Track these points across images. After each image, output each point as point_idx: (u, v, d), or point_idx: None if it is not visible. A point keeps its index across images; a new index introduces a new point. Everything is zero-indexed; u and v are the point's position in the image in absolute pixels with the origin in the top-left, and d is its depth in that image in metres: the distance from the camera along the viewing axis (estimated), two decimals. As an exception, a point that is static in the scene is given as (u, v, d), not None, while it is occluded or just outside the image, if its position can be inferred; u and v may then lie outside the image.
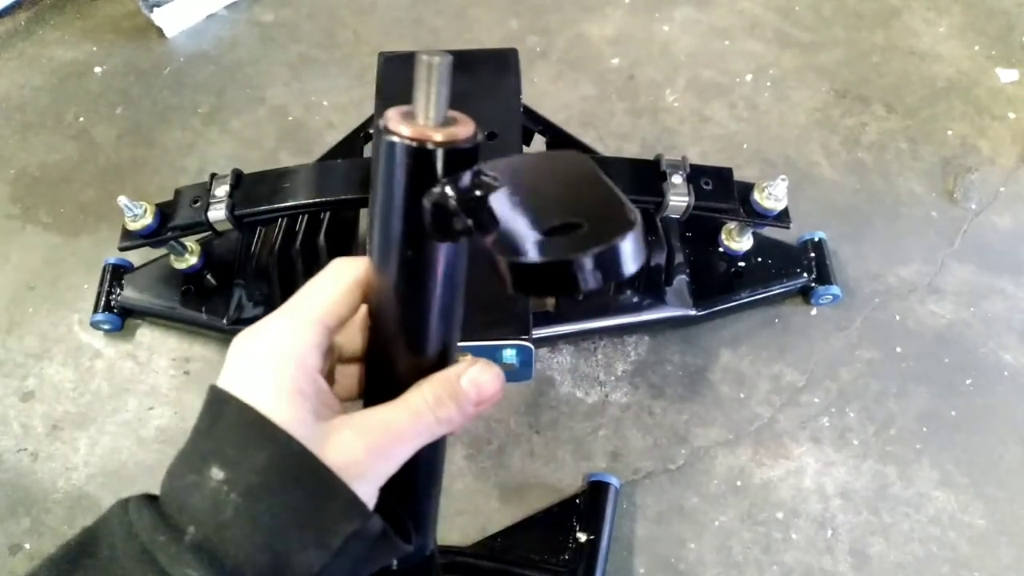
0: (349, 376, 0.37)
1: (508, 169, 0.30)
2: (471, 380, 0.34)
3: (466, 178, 0.29)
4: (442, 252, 0.31)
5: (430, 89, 0.27)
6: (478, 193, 0.29)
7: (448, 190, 0.28)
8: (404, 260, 0.31)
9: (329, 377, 0.36)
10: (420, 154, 0.28)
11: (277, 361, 0.31)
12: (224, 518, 0.28)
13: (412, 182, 0.29)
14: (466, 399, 0.33)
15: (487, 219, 0.28)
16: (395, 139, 0.28)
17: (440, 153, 0.28)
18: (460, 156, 0.28)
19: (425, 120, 0.28)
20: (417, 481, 0.37)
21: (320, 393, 0.32)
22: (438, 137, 0.28)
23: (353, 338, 0.37)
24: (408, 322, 0.33)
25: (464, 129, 0.29)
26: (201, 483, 0.29)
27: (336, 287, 0.34)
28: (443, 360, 0.35)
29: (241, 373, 0.31)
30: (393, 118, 0.28)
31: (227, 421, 0.30)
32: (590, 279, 0.26)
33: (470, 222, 0.28)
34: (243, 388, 0.30)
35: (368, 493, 0.31)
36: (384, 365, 0.35)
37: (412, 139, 0.28)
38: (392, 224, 0.30)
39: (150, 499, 0.30)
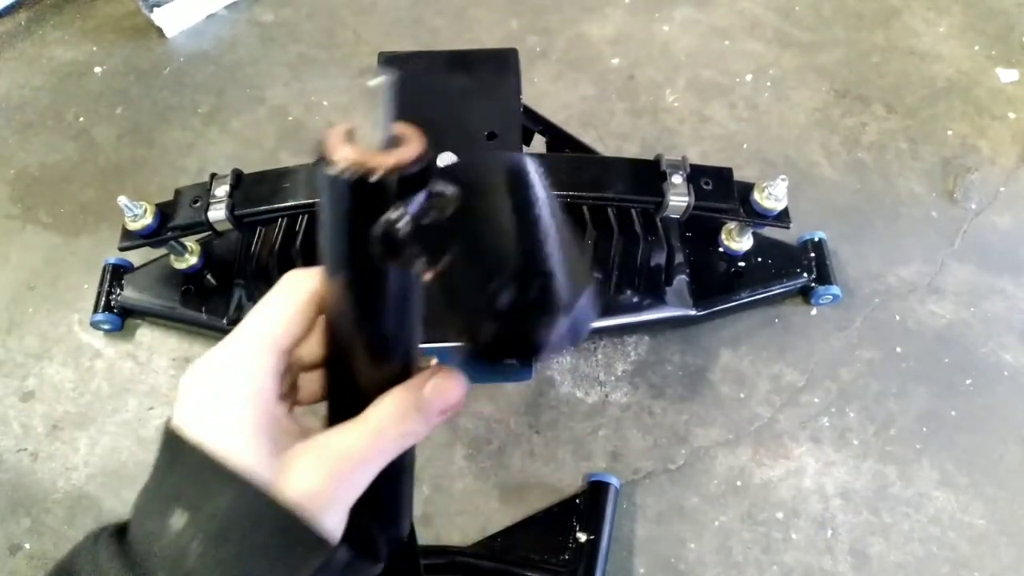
0: (313, 381, 0.37)
1: (459, 193, 0.28)
2: (434, 389, 0.32)
3: (417, 202, 0.27)
4: (395, 272, 0.30)
5: (372, 112, 0.26)
6: (430, 218, 0.27)
7: (398, 217, 0.27)
8: (356, 283, 0.30)
9: (292, 390, 0.35)
10: (363, 184, 0.26)
11: (231, 397, 0.30)
12: (188, 565, 0.28)
13: (358, 212, 0.27)
14: (430, 409, 0.32)
15: (439, 246, 0.27)
16: (336, 168, 0.26)
17: (386, 180, 0.26)
18: (409, 180, 0.26)
19: (369, 144, 0.26)
20: (384, 491, 0.36)
21: (278, 422, 0.31)
22: (383, 162, 0.26)
23: (314, 348, 0.36)
24: (365, 338, 0.32)
25: (412, 149, 0.26)
26: (164, 530, 0.29)
27: (289, 306, 0.33)
28: (405, 371, 0.33)
29: (196, 410, 0.30)
30: (334, 143, 0.26)
31: (185, 464, 0.29)
32: (553, 345, 0.26)
33: (422, 253, 0.27)
34: (199, 427, 0.30)
35: (335, 521, 0.30)
36: (344, 380, 0.34)
37: (355, 167, 0.26)
38: (342, 254, 0.29)
39: (119, 536, 0.30)
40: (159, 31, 1.57)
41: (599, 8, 1.60)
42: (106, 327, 1.21)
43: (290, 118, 1.46)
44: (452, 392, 0.33)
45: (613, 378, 1.18)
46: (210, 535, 0.28)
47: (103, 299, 1.20)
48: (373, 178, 0.26)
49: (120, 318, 1.21)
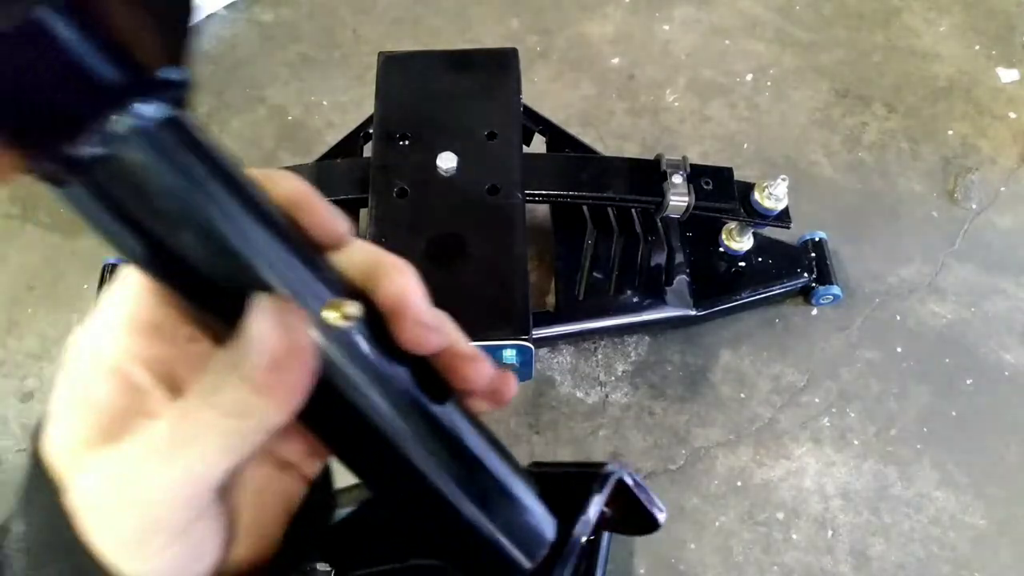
0: None
1: None
2: (259, 331, 0.20)
3: None
4: None
5: None
6: None
7: None
8: None
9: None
10: None
11: (73, 381, 0.24)
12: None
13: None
14: (255, 364, 0.20)
15: None
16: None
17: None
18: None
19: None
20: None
21: (134, 397, 0.23)
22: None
23: None
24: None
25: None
26: (8, 535, 0.25)
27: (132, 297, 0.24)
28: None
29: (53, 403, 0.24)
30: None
31: (33, 467, 0.25)
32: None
33: None
34: (50, 424, 0.24)
35: (153, 566, 0.21)
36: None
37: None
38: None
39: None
40: (159, 31, 1.57)
41: (599, 8, 1.60)
42: (106, 327, 1.21)
43: (290, 118, 1.46)
44: (286, 335, 0.20)
45: (613, 378, 1.18)
46: (32, 554, 0.24)
47: (103, 299, 1.19)
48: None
49: (120, 318, 1.21)
